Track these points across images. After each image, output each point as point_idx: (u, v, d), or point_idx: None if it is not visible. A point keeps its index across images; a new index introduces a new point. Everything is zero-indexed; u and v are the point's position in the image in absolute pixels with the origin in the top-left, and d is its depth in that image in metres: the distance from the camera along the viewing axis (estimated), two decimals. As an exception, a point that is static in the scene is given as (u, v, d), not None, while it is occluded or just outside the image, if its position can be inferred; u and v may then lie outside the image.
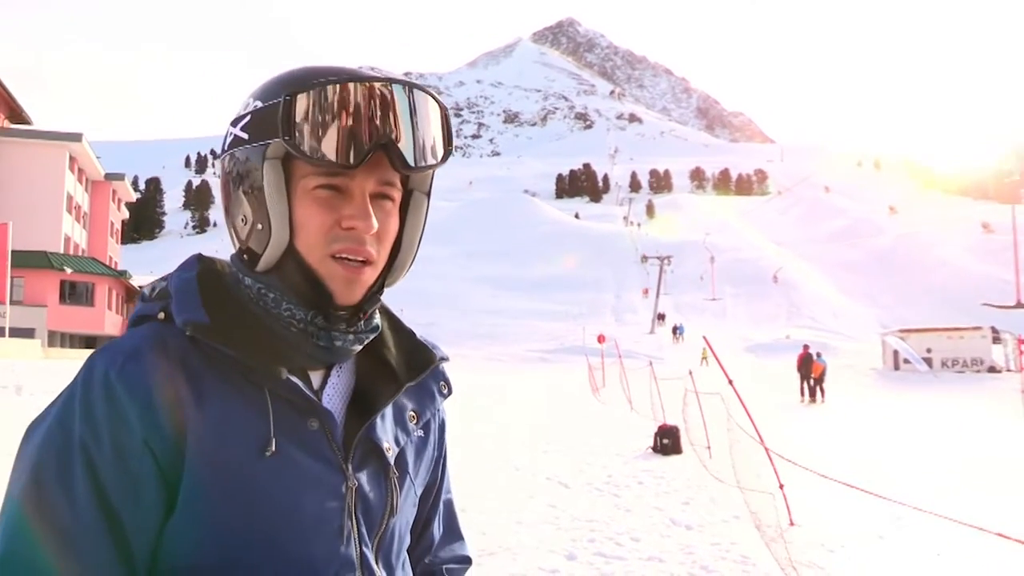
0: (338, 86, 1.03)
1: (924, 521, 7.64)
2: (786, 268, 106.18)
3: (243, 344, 1.05)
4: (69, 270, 48.40)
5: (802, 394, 26.70)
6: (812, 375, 26.32)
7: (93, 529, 0.97)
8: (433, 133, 1.09)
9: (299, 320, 1.09)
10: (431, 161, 1.09)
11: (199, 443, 1.00)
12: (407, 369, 1.22)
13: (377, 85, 1.04)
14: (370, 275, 1.10)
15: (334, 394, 1.15)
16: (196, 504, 1.00)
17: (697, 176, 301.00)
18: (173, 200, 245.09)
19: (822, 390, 26.46)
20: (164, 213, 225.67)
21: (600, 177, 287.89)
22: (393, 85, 1.05)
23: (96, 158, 59.96)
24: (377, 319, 1.20)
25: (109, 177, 65.70)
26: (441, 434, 1.35)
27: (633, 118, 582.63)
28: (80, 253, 57.44)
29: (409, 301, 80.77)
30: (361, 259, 1.07)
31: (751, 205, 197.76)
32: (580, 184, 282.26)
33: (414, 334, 1.29)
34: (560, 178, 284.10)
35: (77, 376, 1.04)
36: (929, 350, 41.93)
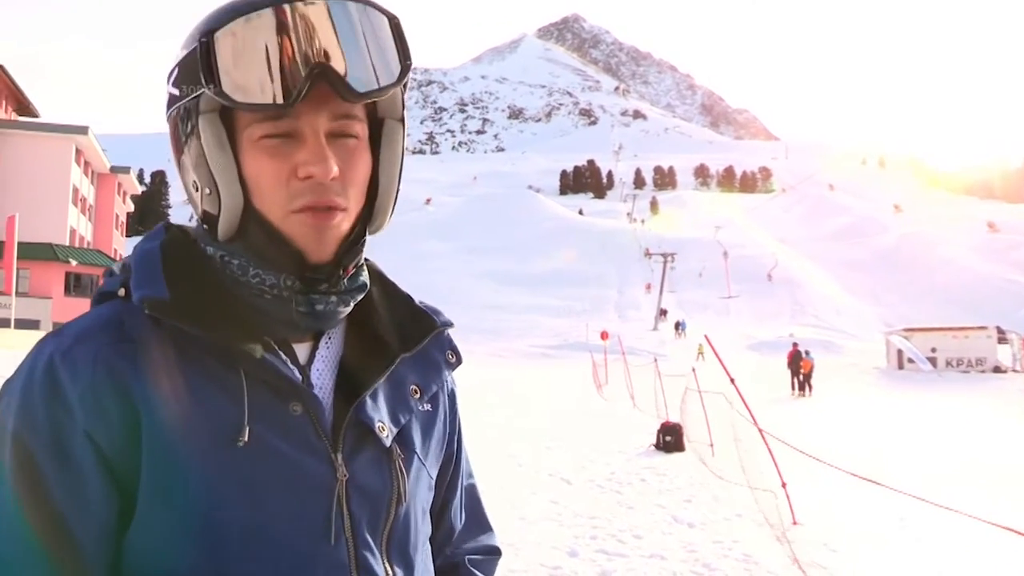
0: (255, 14, 0.89)
1: (929, 520, 7.68)
2: (790, 266, 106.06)
3: (211, 320, 0.93)
4: (74, 262, 48.53)
5: (792, 388, 28.36)
6: (802, 371, 27.89)
7: (28, 539, 0.84)
8: (381, 48, 0.95)
9: (271, 286, 0.96)
10: (383, 82, 0.94)
11: (157, 434, 0.88)
12: (403, 339, 1.08)
13: (300, 5, 0.90)
14: (342, 223, 0.96)
15: (324, 370, 1.02)
16: (156, 505, 0.88)
17: (701, 173, 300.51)
18: (178, 193, 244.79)
19: (810, 385, 27.92)
20: (169, 206, 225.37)
21: (604, 173, 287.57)
22: (318, 2, 0.91)
23: (102, 151, 60.00)
24: (364, 276, 1.06)
25: (115, 170, 65.74)
26: (452, 406, 1.22)
27: (637, 114, 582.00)
28: (85, 245, 57.58)
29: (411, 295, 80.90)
30: (327, 206, 0.94)
31: (755, 202, 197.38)
32: (584, 180, 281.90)
33: (412, 299, 1.15)
34: (564, 174, 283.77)
35: (24, 361, 0.93)
36: (934, 349, 41.88)
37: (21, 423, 0.87)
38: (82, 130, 55.39)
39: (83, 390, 0.88)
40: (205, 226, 1.00)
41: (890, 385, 33.26)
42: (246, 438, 0.90)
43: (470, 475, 1.30)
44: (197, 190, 0.97)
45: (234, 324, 0.94)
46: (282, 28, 0.89)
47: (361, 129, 0.98)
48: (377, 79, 0.93)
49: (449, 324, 1.15)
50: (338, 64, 0.90)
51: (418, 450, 1.07)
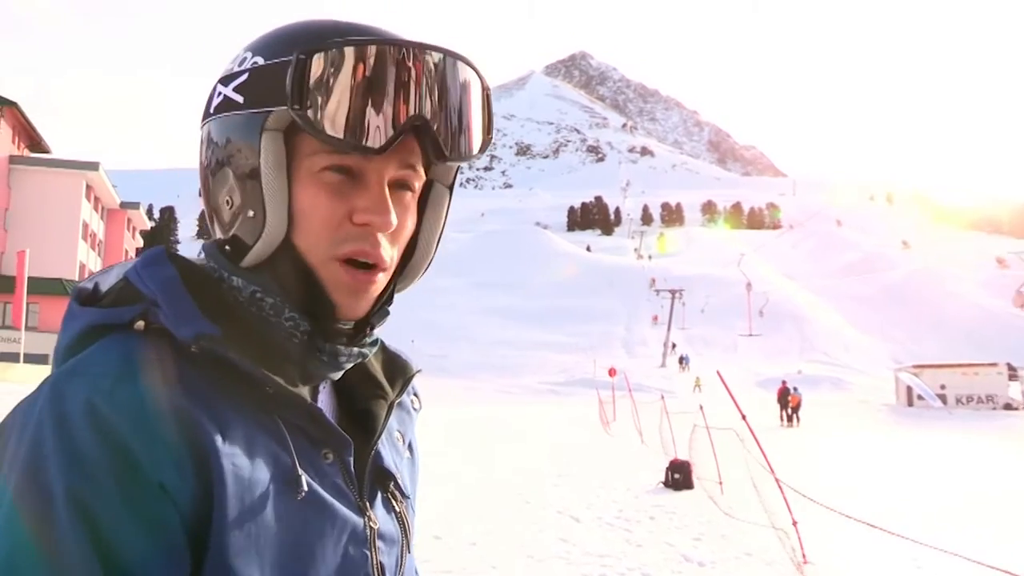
0: (367, 48, 0.83)
1: (944, 564, 7.57)
2: (798, 302, 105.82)
3: (263, 361, 0.86)
4: (83, 298, 48.63)
5: (781, 420, 31.98)
6: (790, 405, 32.11)
7: None
8: (474, 117, 0.91)
9: (303, 332, 0.89)
10: (469, 151, 0.90)
11: (231, 482, 0.79)
12: (391, 383, 1.04)
13: (414, 51, 0.85)
14: (381, 283, 0.92)
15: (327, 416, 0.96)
16: (229, 559, 0.78)
17: (709, 209, 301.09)
18: (187, 229, 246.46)
19: (798, 417, 32.01)
20: (178, 242, 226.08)
21: (612, 210, 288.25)
22: (433, 53, 0.86)
23: (112, 187, 60.46)
24: (378, 331, 1.00)
25: (124, 206, 66.17)
26: (417, 456, 1.16)
27: (645, 151, 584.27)
28: (94, 280, 57.71)
29: (420, 332, 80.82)
30: (372, 263, 0.88)
31: (763, 239, 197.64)
32: (592, 217, 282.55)
33: (384, 343, 1.09)
34: (572, 211, 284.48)
35: (37, 409, 0.77)
36: (943, 386, 41.64)
37: (74, 481, 0.73)
38: (93, 166, 55.86)
39: (148, 437, 0.76)
40: (228, 248, 0.91)
41: (900, 422, 33.05)
42: (305, 488, 0.84)
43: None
44: (231, 206, 0.89)
45: (272, 366, 0.87)
46: (389, 67, 0.84)
47: (418, 185, 0.94)
48: (463, 147, 0.89)
49: (419, 370, 1.11)
50: (435, 122, 0.86)
51: (411, 497, 1.05)
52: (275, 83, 0.85)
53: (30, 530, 0.72)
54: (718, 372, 10.66)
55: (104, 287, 0.91)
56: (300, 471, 0.84)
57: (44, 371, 36.77)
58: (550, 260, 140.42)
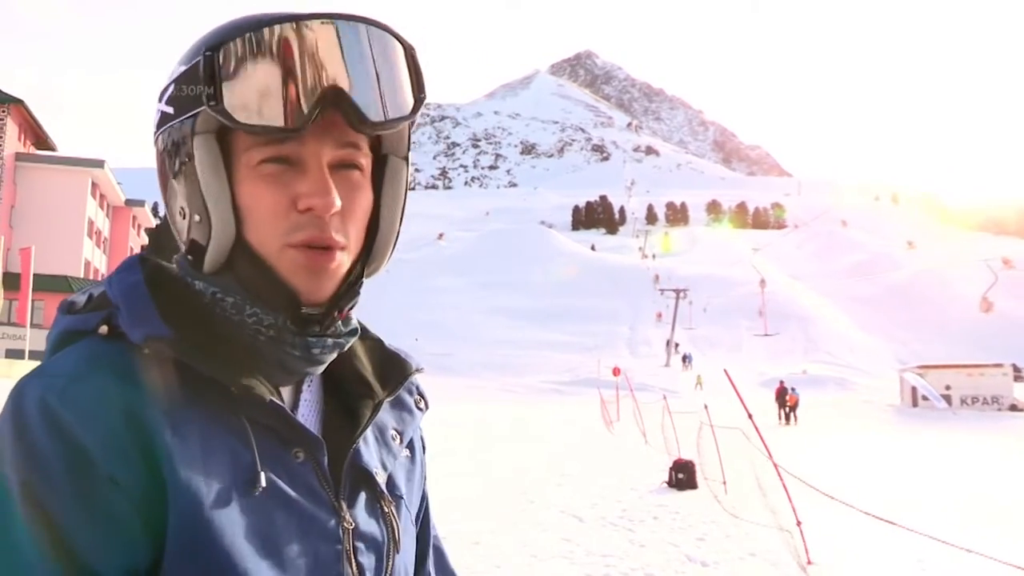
0: (266, 30, 0.83)
1: (948, 562, 7.55)
2: (803, 303, 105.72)
3: (218, 361, 0.85)
4: (88, 295, 48.81)
5: (779, 419, 32.74)
6: (788, 404, 33.26)
7: None
8: (397, 78, 0.89)
9: (267, 326, 0.89)
10: (397, 113, 0.89)
11: (183, 479, 0.79)
12: (380, 382, 1.03)
13: (316, 24, 0.84)
14: (342, 263, 0.90)
15: (309, 414, 0.97)
16: (184, 558, 0.79)
17: (714, 209, 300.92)
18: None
19: (796, 416, 33.13)
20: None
21: (616, 209, 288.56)
22: (337, 22, 0.85)
23: (117, 184, 60.59)
24: (355, 322, 0.99)
25: (130, 203, 66.32)
26: (423, 454, 1.16)
27: (650, 150, 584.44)
28: (100, 278, 57.73)
29: (424, 331, 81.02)
30: (326, 246, 0.88)
31: (768, 239, 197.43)
32: (596, 216, 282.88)
33: (383, 342, 1.10)
34: (577, 210, 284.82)
35: (2, 409, 0.81)
36: (948, 387, 41.53)
37: (29, 475, 0.76)
38: (98, 163, 55.99)
39: (100, 433, 0.78)
40: (189, 257, 0.92)
41: (904, 423, 32.98)
42: (263, 484, 0.84)
43: (433, 526, 1.23)
44: (184, 217, 0.90)
45: (233, 365, 0.86)
46: (292, 47, 0.83)
47: (365, 162, 0.92)
48: (389, 109, 0.88)
49: (420, 368, 1.10)
50: (351, 89, 0.85)
51: (404, 496, 1.04)
52: (192, 86, 0.85)
53: None
54: (726, 371, 10.64)
55: (95, 296, 0.93)
56: (260, 469, 0.84)
57: (49, 368, 36.91)
58: (554, 259, 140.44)
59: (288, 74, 0.83)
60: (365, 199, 0.93)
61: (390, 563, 0.96)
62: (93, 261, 57.57)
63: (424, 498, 1.17)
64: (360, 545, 0.92)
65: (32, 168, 53.06)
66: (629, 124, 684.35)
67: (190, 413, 0.83)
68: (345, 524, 0.91)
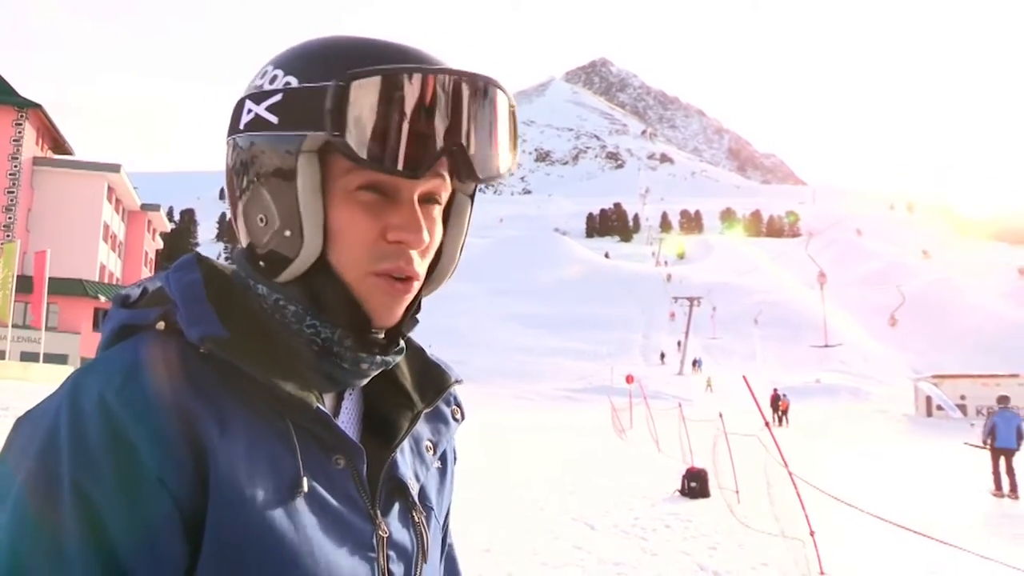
0: (402, 76, 0.85)
1: (961, 572, 7.48)
2: (817, 312, 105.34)
3: (267, 365, 0.87)
4: (103, 298, 49.08)
5: (772, 420, 36.65)
6: (780, 409, 38.03)
7: None
8: (503, 138, 0.92)
9: (324, 339, 0.92)
10: (499, 171, 0.92)
11: (226, 479, 0.82)
12: (420, 392, 1.05)
13: (449, 77, 0.86)
14: (414, 292, 0.94)
15: (348, 423, 0.99)
16: (223, 557, 0.81)
17: (728, 217, 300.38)
18: (206, 231, 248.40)
19: (787, 419, 37.61)
20: (198, 244, 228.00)
21: (631, 217, 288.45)
22: (467, 77, 0.88)
23: (133, 189, 60.92)
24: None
25: (145, 208, 66.64)
26: (454, 464, 1.17)
27: (664, 158, 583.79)
28: (115, 281, 58.19)
29: (438, 337, 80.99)
30: (407, 276, 0.91)
31: (782, 247, 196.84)
32: (611, 224, 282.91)
33: (424, 352, 1.11)
34: (591, 217, 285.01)
35: (56, 401, 0.83)
36: (963, 397, 41.33)
37: (79, 470, 0.78)
38: (114, 168, 56.30)
39: (151, 432, 0.80)
40: (262, 263, 0.93)
41: (918, 432, 32.78)
42: (305, 488, 0.86)
43: (450, 534, 1.22)
44: (265, 224, 0.91)
45: (283, 370, 0.88)
46: (425, 93, 0.85)
47: (446, 196, 0.95)
48: (494, 167, 0.91)
49: (460, 380, 1.12)
50: (469, 148, 0.88)
51: (435, 508, 1.05)
52: (312, 107, 0.85)
53: (37, 511, 0.77)
54: (744, 378, 10.59)
55: (150, 291, 0.95)
56: (303, 474, 0.86)
57: (64, 371, 37.07)
58: (569, 266, 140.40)
59: (415, 122, 0.84)
60: (439, 231, 0.95)
61: (418, 573, 0.97)
62: (108, 265, 57.87)
63: (449, 509, 1.18)
64: (392, 554, 0.93)
65: (49, 172, 53.41)
66: (644, 132, 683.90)
67: (239, 414, 0.85)
68: (380, 532, 0.92)
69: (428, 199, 0.92)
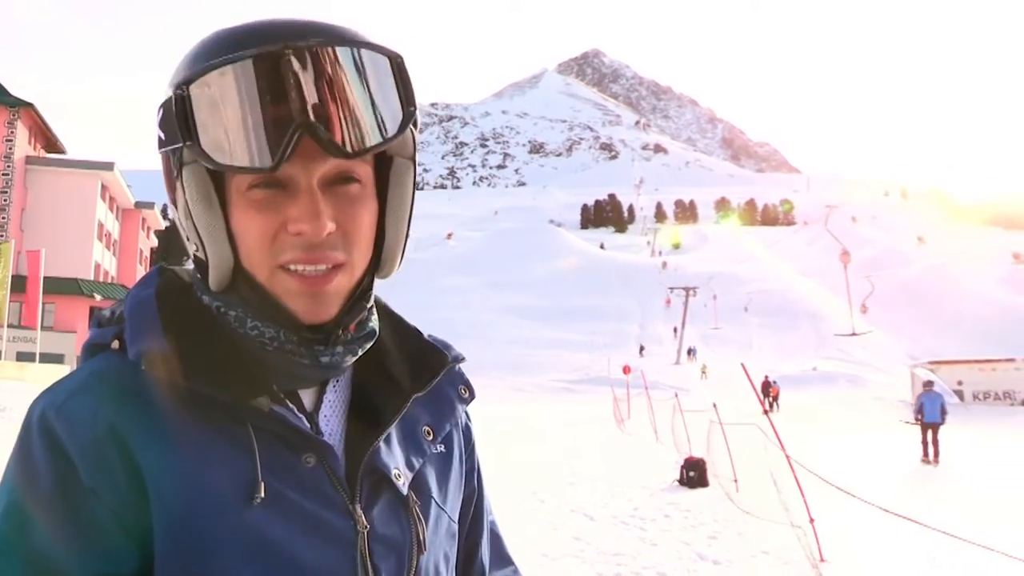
0: (238, 65, 0.80)
1: (961, 559, 7.50)
2: (813, 299, 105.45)
3: (212, 374, 0.85)
4: (99, 297, 49.01)
5: (763, 406, 35.46)
6: (771, 395, 38.28)
7: None
8: (381, 95, 0.84)
9: (270, 339, 0.89)
10: (378, 138, 0.84)
11: (168, 496, 0.81)
12: (414, 377, 1.01)
13: (286, 52, 0.79)
14: (343, 282, 0.89)
15: (332, 416, 0.96)
16: (181, 566, 0.81)
17: (722, 206, 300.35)
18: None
19: (778, 404, 37.98)
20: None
21: (625, 207, 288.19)
22: (310, 46, 0.81)
23: (127, 187, 60.72)
24: (373, 322, 0.97)
25: (139, 205, 66.42)
26: (468, 443, 1.14)
27: (658, 148, 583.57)
28: (110, 280, 58.07)
29: (433, 330, 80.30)
30: (323, 267, 0.86)
31: (777, 235, 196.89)
32: (605, 214, 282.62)
33: (421, 334, 1.07)
34: (585, 208, 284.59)
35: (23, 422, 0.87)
36: (960, 382, 41.40)
37: (19, 478, 0.82)
38: (108, 166, 56.11)
39: (83, 446, 0.81)
40: (198, 275, 0.92)
41: (912, 418, 32.81)
42: (262, 494, 0.84)
43: (489, 511, 1.23)
44: (188, 239, 0.90)
45: (237, 377, 0.87)
46: (265, 79, 0.80)
47: (364, 172, 0.89)
48: (367, 134, 0.83)
49: (461, 358, 1.09)
50: (326, 119, 0.81)
51: (435, 495, 1.01)
52: (172, 117, 0.84)
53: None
54: (743, 366, 10.60)
55: (117, 312, 0.96)
56: (260, 478, 0.84)
57: (60, 370, 37.03)
58: (564, 258, 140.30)
59: (258, 111, 0.80)
60: (367, 211, 0.90)
61: (414, 564, 0.94)
62: (103, 264, 57.73)
63: (475, 486, 1.16)
64: (378, 548, 0.91)
65: (42, 171, 53.26)
66: (637, 122, 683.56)
67: (187, 426, 0.84)
68: (359, 528, 0.89)
69: (341, 179, 0.87)
